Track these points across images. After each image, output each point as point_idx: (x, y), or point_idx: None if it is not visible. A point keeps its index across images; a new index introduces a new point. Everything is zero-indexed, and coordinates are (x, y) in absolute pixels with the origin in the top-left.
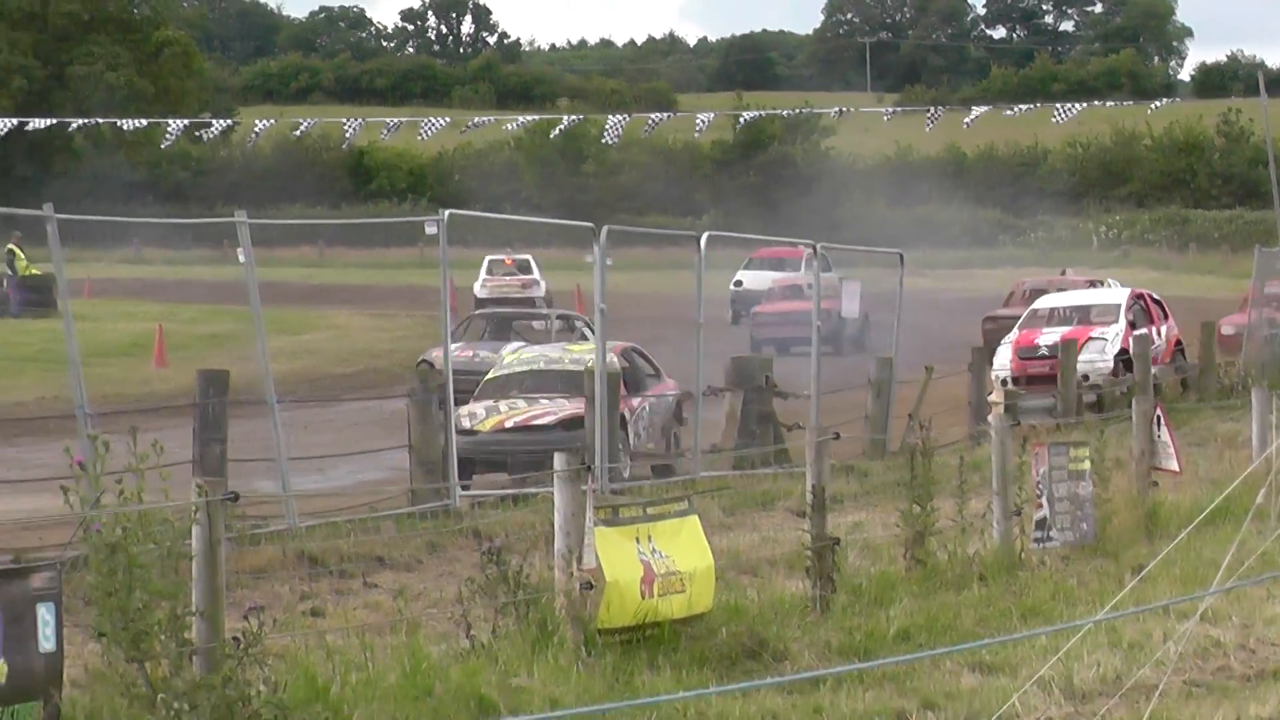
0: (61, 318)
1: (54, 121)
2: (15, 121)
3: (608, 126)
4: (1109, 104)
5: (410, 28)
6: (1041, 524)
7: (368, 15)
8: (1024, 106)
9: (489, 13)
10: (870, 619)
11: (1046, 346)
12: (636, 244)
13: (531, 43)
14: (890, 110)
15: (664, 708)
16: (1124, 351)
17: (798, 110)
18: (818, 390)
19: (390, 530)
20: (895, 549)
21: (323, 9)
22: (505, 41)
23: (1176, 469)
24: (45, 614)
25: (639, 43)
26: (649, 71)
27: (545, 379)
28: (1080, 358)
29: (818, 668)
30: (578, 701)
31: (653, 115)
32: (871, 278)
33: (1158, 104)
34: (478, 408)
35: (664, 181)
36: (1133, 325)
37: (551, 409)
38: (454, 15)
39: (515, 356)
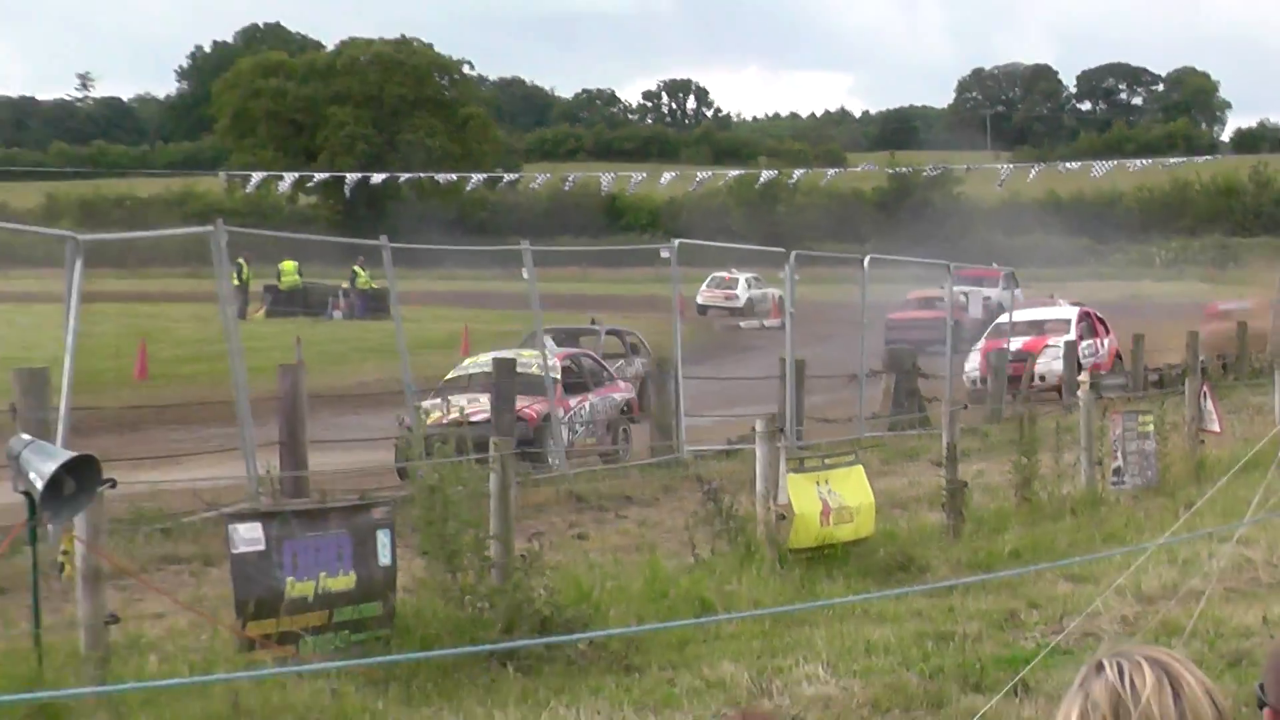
0: (393, 319)
1: (387, 176)
2: (360, 176)
3: (794, 178)
4: (1168, 160)
5: (649, 104)
6: (1117, 471)
7: (617, 95)
8: (1105, 162)
9: (707, 93)
10: (990, 542)
11: (1011, 352)
12: (817, 264)
13: (738, 115)
14: (1005, 165)
15: (838, 608)
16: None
17: (936, 166)
18: (950, 373)
19: (635, 476)
20: (1008, 490)
21: (584, 91)
22: (719, 114)
23: (1218, 430)
24: (383, 538)
25: (818, 115)
26: (825, 136)
27: (473, 380)
28: (1038, 361)
29: (951, 578)
30: (774, 602)
31: (829, 169)
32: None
33: (1204, 159)
34: (429, 404)
35: (837, 219)
36: (1080, 337)
37: (483, 407)
38: (680, 95)
39: (473, 360)
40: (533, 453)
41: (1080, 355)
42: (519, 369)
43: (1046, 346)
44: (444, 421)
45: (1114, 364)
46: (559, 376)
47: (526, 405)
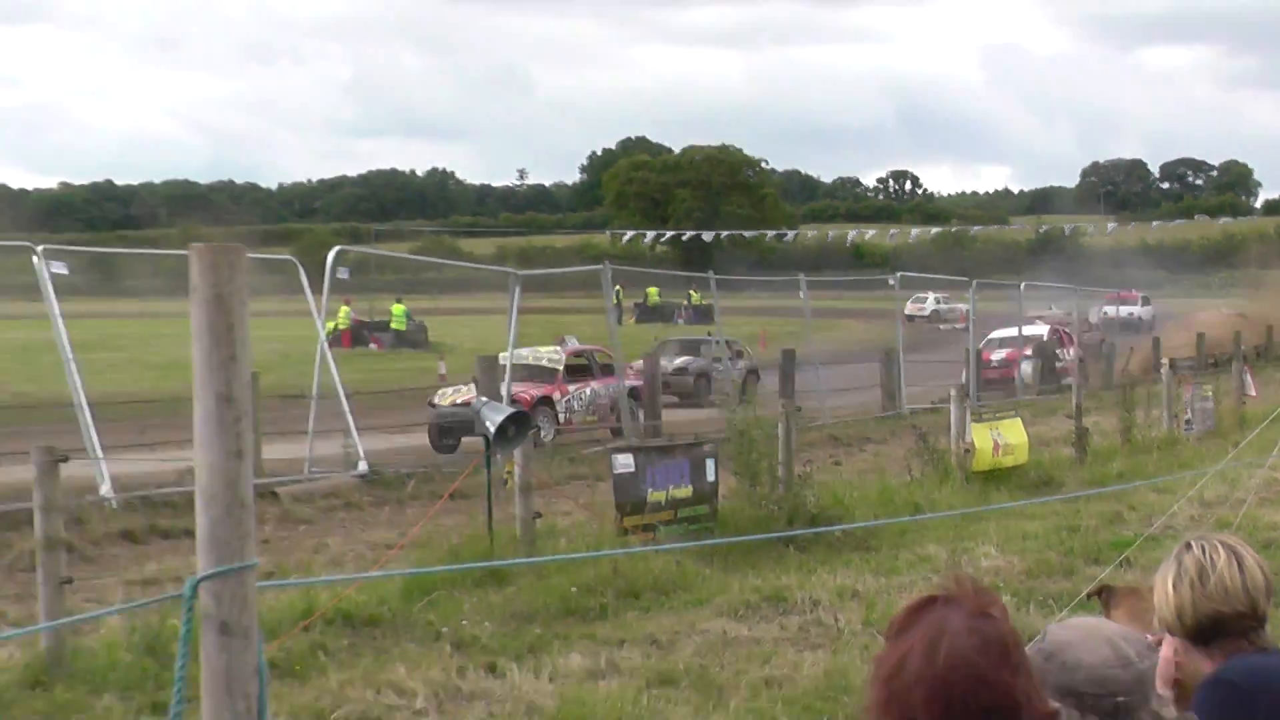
0: (715, 324)
1: (713, 234)
2: (694, 233)
3: (974, 232)
4: (1219, 220)
5: (881, 185)
6: (1188, 422)
7: (860, 179)
8: (1178, 221)
9: (918, 178)
10: (1104, 467)
11: (996, 361)
12: (989, 289)
13: (938, 191)
14: (1112, 225)
15: (1003, 510)
16: (516, 402)
17: (1067, 226)
18: (1077, 358)
19: (872, 425)
20: (1115, 434)
21: (839, 177)
22: (926, 191)
23: (1255, 395)
24: (710, 464)
25: (989, 191)
26: (995, 205)
27: (515, 370)
28: (1021, 367)
29: (1077, 491)
30: (962, 506)
31: (996, 226)
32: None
33: (1244, 219)
34: (448, 389)
35: (1002, 260)
36: (572, 382)
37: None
38: (901, 179)
39: (507, 354)
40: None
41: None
42: (533, 361)
43: (1024, 356)
44: (455, 403)
45: (1078, 366)
46: (560, 369)
47: (523, 390)
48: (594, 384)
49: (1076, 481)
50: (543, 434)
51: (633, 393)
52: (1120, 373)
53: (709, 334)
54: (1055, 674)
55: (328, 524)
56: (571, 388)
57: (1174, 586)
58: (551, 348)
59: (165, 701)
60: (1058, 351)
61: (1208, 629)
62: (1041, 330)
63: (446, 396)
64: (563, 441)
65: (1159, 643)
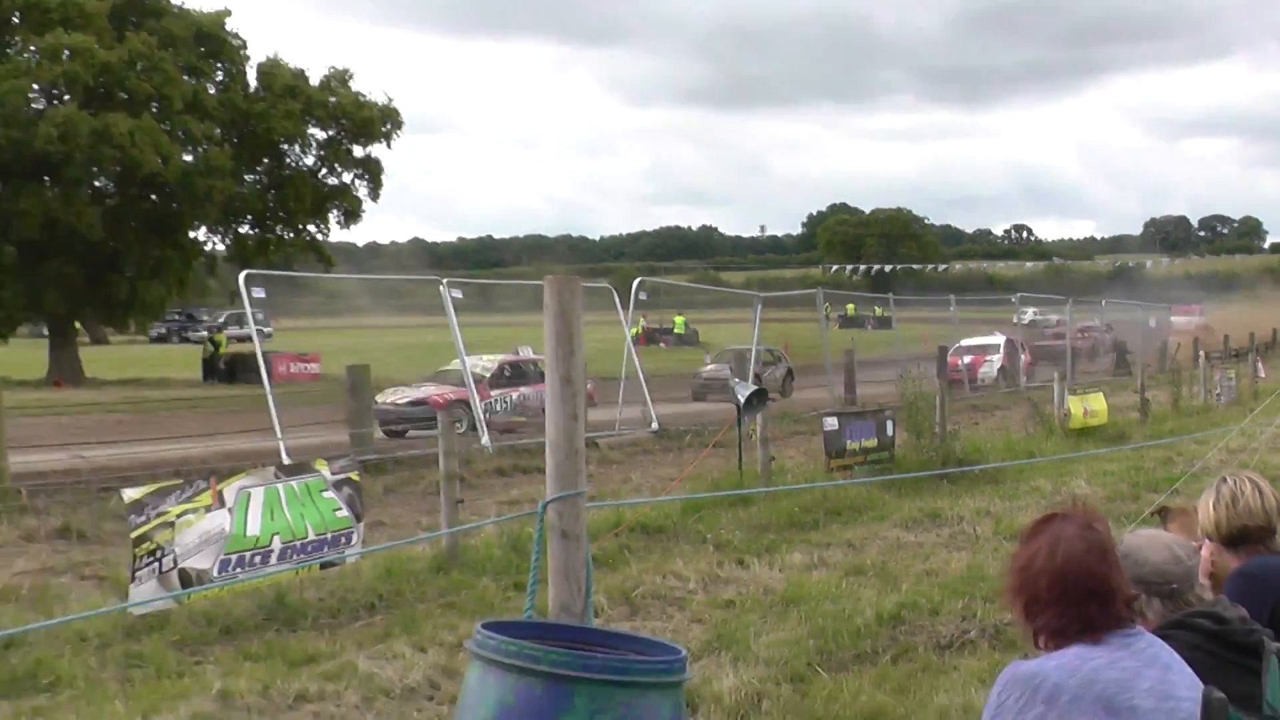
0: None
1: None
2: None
3: (1071, 265)
4: (1235, 256)
5: (1009, 236)
6: (1219, 395)
7: (992, 230)
8: (1213, 257)
9: (1032, 229)
10: (1160, 426)
11: (962, 365)
12: (1083, 305)
13: (1047, 238)
14: (1165, 260)
15: (1091, 456)
16: (1003, 367)
17: (1134, 261)
18: (1140, 350)
19: (1000, 397)
20: (1168, 403)
21: (979, 229)
22: (1038, 240)
23: (1264, 376)
24: (889, 423)
25: (1081, 238)
26: (1084, 248)
27: (447, 376)
28: (980, 370)
29: (1142, 442)
30: (1061, 452)
31: (1085, 261)
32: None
33: (1255, 256)
34: (389, 390)
35: (1091, 285)
36: (1006, 355)
37: (410, 394)
38: (1022, 231)
39: (750, 347)
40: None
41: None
42: (473, 368)
43: (985, 361)
44: (398, 403)
45: (1030, 369)
46: (486, 375)
47: (438, 394)
48: (525, 389)
49: (1141, 435)
50: (458, 428)
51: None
52: (1171, 361)
53: (758, 343)
54: (1130, 569)
55: (630, 464)
56: (495, 393)
57: (1213, 507)
58: (490, 357)
59: (524, 583)
60: (1012, 357)
61: (1236, 538)
62: (999, 340)
63: (389, 396)
64: (787, 408)
65: (1200, 547)
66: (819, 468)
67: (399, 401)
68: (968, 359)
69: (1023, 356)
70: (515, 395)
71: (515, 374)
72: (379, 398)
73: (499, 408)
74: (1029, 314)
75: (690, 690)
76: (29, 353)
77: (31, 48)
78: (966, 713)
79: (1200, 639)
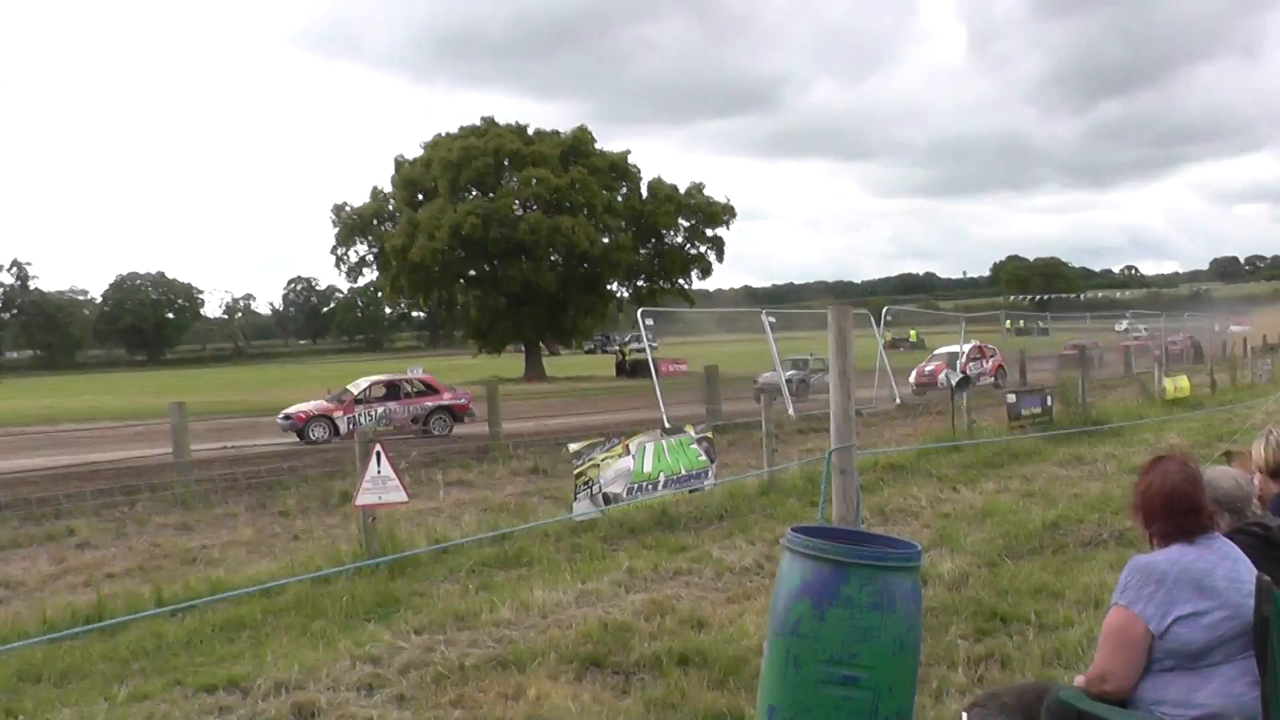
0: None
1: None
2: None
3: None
4: (1273, 282)
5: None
6: (1260, 376)
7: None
8: (1251, 283)
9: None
10: (1223, 397)
11: (927, 371)
12: (1160, 316)
13: (1114, 270)
14: (1224, 285)
15: (1180, 418)
16: (963, 372)
17: (1203, 287)
18: (1209, 346)
19: (1119, 380)
20: (1227, 383)
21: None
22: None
23: None
24: (1049, 397)
25: (1147, 270)
26: (1173, 282)
27: (390, 387)
28: (940, 376)
29: (1209, 409)
30: (1161, 415)
31: (1169, 290)
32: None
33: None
34: (292, 406)
35: (1175, 304)
36: (970, 360)
37: (305, 409)
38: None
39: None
40: (310, 440)
41: (969, 371)
42: (351, 388)
43: (947, 367)
44: (311, 414)
45: (997, 373)
46: (355, 394)
47: (302, 411)
48: (392, 404)
49: (1211, 404)
50: (314, 437)
51: (449, 410)
52: (1229, 354)
53: (811, 353)
54: (1209, 493)
55: (881, 427)
56: (359, 408)
57: (1262, 449)
58: (366, 380)
59: (817, 501)
60: (974, 363)
61: (1277, 470)
62: (965, 348)
63: (297, 409)
64: (983, 388)
65: (1254, 478)
66: (1003, 427)
67: (301, 411)
68: (933, 365)
69: (989, 362)
70: (379, 410)
71: (393, 391)
72: (286, 411)
73: (363, 420)
74: (1124, 324)
75: (923, 572)
76: (512, 361)
77: (514, 179)
78: (1101, 588)
79: (1254, 541)
